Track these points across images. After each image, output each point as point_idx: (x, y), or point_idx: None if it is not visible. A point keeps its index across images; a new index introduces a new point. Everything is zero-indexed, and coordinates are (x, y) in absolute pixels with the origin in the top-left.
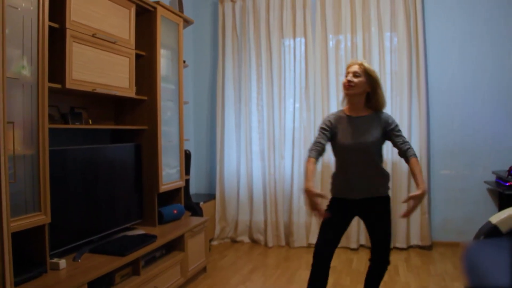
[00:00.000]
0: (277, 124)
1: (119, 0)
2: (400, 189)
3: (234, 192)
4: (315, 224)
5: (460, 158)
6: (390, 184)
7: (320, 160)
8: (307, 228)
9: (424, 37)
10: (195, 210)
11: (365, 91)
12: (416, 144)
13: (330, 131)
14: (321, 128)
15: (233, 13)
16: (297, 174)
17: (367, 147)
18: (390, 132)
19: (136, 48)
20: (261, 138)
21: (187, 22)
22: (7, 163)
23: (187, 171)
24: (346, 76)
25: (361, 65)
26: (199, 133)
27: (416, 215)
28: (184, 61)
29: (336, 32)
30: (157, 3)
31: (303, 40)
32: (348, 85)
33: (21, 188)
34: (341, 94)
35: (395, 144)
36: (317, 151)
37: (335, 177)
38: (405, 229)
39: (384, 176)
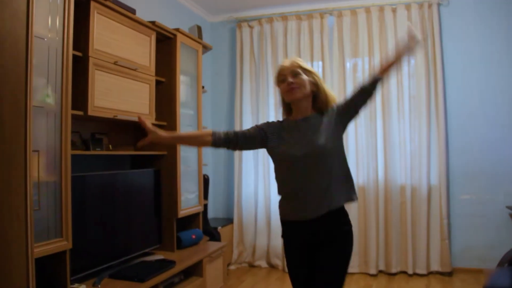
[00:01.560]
0: None
1: (140, 28)
2: (419, 216)
3: (251, 217)
4: None
5: (480, 182)
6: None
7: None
8: None
9: (442, 61)
10: (213, 235)
11: (311, 91)
12: (435, 168)
13: (260, 136)
14: (256, 126)
15: (250, 38)
16: None
17: (325, 150)
18: (344, 105)
19: (156, 74)
20: None
21: (206, 48)
22: (32, 191)
23: (205, 196)
24: (283, 81)
25: (294, 62)
26: (217, 158)
27: (436, 241)
28: (203, 87)
29: (354, 55)
30: (177, 30)
31: (320, 63)
32: (290, 88)
33: (43, 214)
34: (360, 118)
35: (356, 97)
36: (226, 133)
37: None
38: (425, 255)
39: (345, 182)
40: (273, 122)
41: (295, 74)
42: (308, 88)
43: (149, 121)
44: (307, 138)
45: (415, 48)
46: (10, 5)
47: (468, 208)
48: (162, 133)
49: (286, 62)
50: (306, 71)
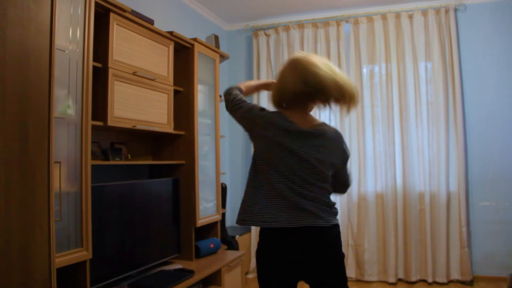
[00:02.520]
0: None
1: (158, 38)
2: (438, 223)
3: None
4: (352, 258)
5: (500, 189)
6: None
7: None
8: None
9: (460, 67)
10: (231, 244)
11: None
12: (454, 175)
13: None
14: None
15: (267, 46)
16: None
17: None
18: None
19: (174, 84)
20: None
21: (223, 57)
22: (53, 202)
23: (223, 205)
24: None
25: None
26: (235, 166)
27: (455, 249)
28: (220, 96)
29: (370, 62)
30: (195, 40)
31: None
32: None
33: (64, 224)
34: (378, 125)
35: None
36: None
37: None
38: (445, 263)
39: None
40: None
41: None
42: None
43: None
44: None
45: None
46: (35, 20)
47: (488, 215)
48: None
49: None
50: None
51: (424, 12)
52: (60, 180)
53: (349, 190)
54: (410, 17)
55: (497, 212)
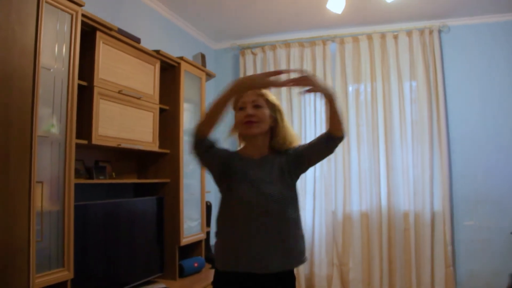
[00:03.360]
0: None
1: (144, 57)
2: (423, 243)
3: None
4: (337, 277)
5: (484, 208)
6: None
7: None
8: (329, 280)
9: (444, 86)
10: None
11: (270, 127)
12: (439, 194)
13: (225, 159)
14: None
15: (254, 65)
16: (318, 225)
17: (279, 200)
18: (298, 153)
19: (160, 102)
20: None
21: (209, 76)
22: (34, 223)
23: (208, 223)
24: (241, 108)
25: (259, 91)
26: None
27: (440, 268)
28: None
29: (356, 81)
30: (181, 58)
31: None
32: (248, 122)
33: (46, 244)
34: (363, 144)
35: (314, 146)
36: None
37: (229, 240)
38: (429, 283)
39: (303, 242)
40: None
41: (257, 106)
42: (267, 124)
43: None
44: (266, 181)
45: (314, 82)
46: (20, 41)
47: (472, 234)
48: None
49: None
50: (270, 104)
51: (409, 33)
52: (42, 199)
53: (333, 208)
54: (395, 37)
55: (481, 231)
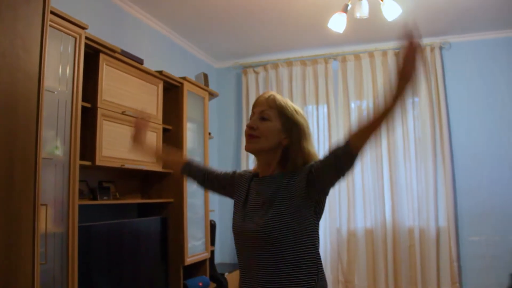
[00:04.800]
0: None
1: (147, 78)
2: (428, 259)
3: None
4: None
5: (489, 223)
6: None
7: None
8: None
9: (446, 103)
10: (220, 282)
11: (280, 144)
12: (443, 209)
13: (226, 183)
14: (232, 173)
15: (256, 83)
16: (323, 242)
17: (262, 233)
18: (316, 172)
19: (163, 122)
20: None
21: (212, 95)
22: (39, 246)
23: (212, 242)
24: (251, 119)
25: (271, 99)
26: (224, 203)
27: (446, 285)
28: (209, 133)
29: (358, 97)
30: (184, 78)
31: (325, 106)
32: (249, 135)
33: (50, 266)
34: (366, 160)
35: (328, 165)
36: (198, 165)
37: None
38: None
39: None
40: (246, 172)
41: (263, 118)
42: (272, 140)
43: (144, 129)
44: (252, 208)
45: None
46: (24, 66)
47: (478, 250)
48: (149, 147)
49: (265, 95)
50: (284, 118)
51: None
52: (46, 221)
53: (338, 225)
54: (396, 55)
55: (487, 247)
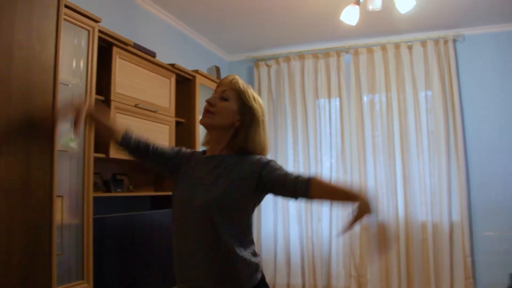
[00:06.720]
0: None
1: (160, 71)
2: (441, 254)
3: (271, 256)
4: None
5: (504, 218)
6: (257, 275)
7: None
8: None
9: (460, 96)
10: None
11: (232, 125)
12: (457, 204)
13: (170, 156)
14: (178, 149)
15: (268, 77)
16: (335, 237)
17: (207, 207)
18: (266, 175)
19: (176, 115)
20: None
21: None
22: (55, 238)
23: None
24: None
25: (233, 83)
26: None
27: (460, 280)
28: None
29: (371, 91)
30: (196, 71)
31: (338, 100)
32: (206, 111)
33: (66, 257)
34: (379, 154)
35: (280, 188)
36: (138, 136)
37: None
38: None
39: (234, 264)
40: (194, 151)
41: (223, 97)
42: (226, 119)
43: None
44: (200, 182)
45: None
46: (40, 59)
47: (492, 245)
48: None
49: (229, 78)
50: (242, 102)
51: (423, 43)
52: (62, 213)
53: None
54: (410, 47)
55: (501, 242)
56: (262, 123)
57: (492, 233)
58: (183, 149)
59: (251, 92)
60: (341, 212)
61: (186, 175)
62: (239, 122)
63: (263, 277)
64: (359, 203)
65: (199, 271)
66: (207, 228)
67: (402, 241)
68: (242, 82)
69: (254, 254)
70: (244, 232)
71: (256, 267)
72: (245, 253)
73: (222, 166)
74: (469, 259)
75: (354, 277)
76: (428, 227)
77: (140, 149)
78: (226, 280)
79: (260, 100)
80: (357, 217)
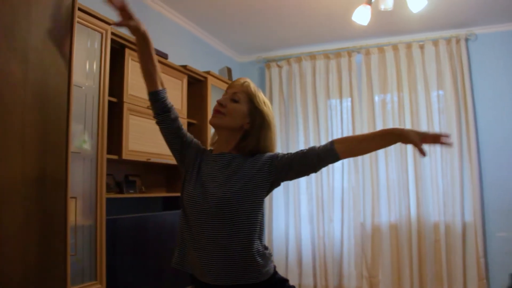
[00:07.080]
0: (326, 187)
1: (172, 72)
2: (454, 255)
3: (282, 256)
4: None
5: None
6: (271, 265)
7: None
8: None
9: (472, 95)
10: None
11: (241, 127)
12: (470, 204)
13: (190, 142)
14: (197, 142)
15: (279, 77)
16: (347, 237)
17: (221, 204)
18: (281, 160)
19: (188, 116)
20: (309, 201)
21: None
22: (69, 238)
23: None
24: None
25: (245, 86)
26: None
27: (473, 281)
28: None
29: (382, 91)
30: (207, 73)
31: (349, 100)
32: (216, 111)
33: (79, 258)
34: (391, 154)
35: (300, 162)
36: (171, 107)
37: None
38: None
39: (252, 258)
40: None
41: (233, 99)
42: (236, 121)
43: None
44: (216, 179)
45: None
46: (55, 63)
47: (506, 246)
48: (140, 26)
49: (241, 81)
50: (251, 103)
51: (435, 43)
52: (76, 214)
53: (362, 220)
54: (421, 47)
55: None
56: (272, 128)
57: (505, 234)
58: (197, 141)
59: (262, 96)
60: (353, 213)
61: (200, 170)
62: (248, 124)
63: (275, 268)
64: (400, 133)
65: (217, 268)
66: (222, 224)
67: (414, 242)
68: (253, 86)
69: (266, 247)
70: (258, 226)
71: (270, 258)
72: (260, 247)
73: (234, 164)
74: (482, 260)
75: (366, 277)
76: (441, 228)
77: (166, 112)
78: (245, 274)
79: (270, 105)
80: (415, 143)
